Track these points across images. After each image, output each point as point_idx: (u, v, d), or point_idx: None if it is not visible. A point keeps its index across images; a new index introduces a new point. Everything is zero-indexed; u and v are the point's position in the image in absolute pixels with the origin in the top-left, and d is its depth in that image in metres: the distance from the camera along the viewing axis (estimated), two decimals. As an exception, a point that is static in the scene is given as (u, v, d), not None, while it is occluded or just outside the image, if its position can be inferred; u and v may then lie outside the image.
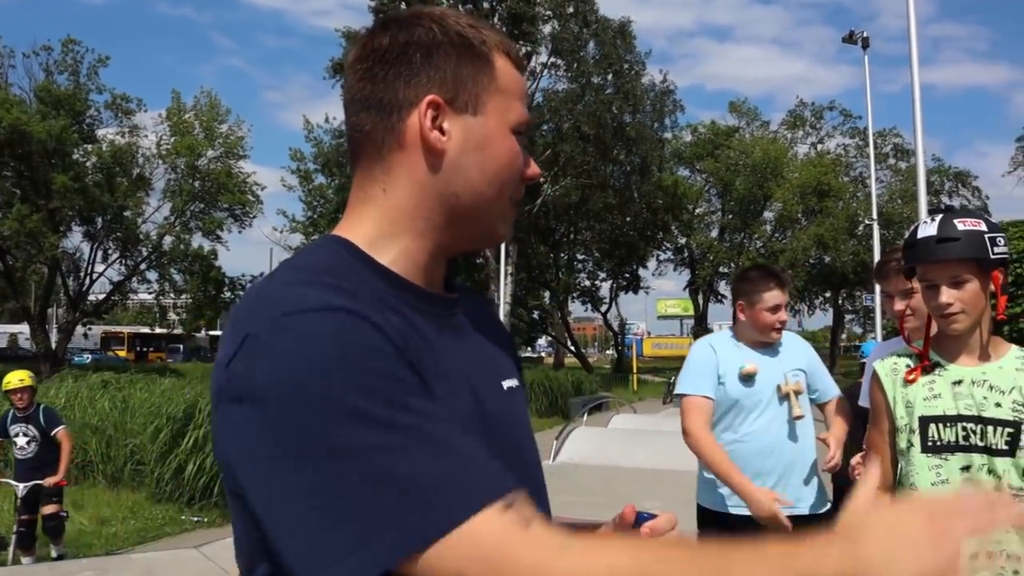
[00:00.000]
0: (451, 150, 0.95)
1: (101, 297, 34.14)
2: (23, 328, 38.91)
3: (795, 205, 39.53)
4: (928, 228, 2.08)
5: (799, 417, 3.32)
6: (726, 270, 43.28)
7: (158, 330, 46.93)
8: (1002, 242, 2.06)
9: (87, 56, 29.96)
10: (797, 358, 3.45)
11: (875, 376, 2.22)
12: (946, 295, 2.03)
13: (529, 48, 32.59)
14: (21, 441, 6.65)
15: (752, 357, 3.39)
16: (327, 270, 0.88)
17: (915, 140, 16.25)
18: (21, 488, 6.43)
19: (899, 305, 2.96)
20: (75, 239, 32.67)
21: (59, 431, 6.74)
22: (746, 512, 3.20)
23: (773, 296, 3.32)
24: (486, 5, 30.85)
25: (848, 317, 49.59)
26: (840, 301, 45.11)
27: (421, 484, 0.74)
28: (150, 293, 35.88)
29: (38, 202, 27.61)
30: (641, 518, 1.07)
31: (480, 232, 1.00)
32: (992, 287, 2.07)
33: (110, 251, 32.07)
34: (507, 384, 1.05)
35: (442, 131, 0.95)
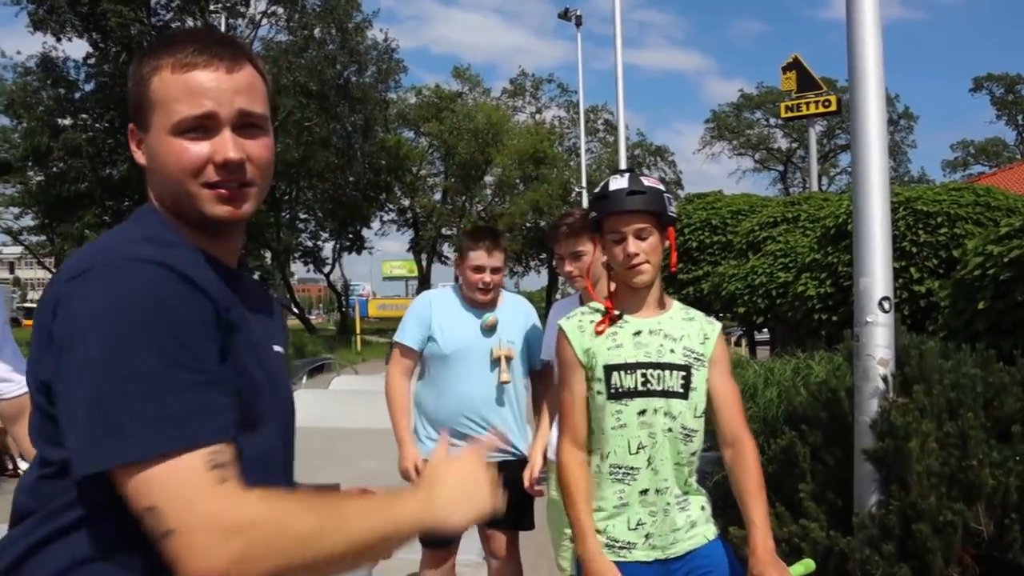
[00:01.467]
0: (148, 162, 1.19)
1: None
2: None
3: (514, 171, 41.23)
4: (619, 182, 2.27)
5: (506, 382, 3.42)
6: (449, 232, 44.25)
7: None
8: (673, 203, 2.33)
9: None
10: (515, 323, 3.54)
11: (562, 334, 2.33)
12: (633, 245, 2.21)
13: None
14: None
15: (469, 315, 3.48)
16: (158, 235, 1.14)
17: (618, 116, 17.54)
18: None
19: (569, 266, 3.21)
20: None
21: None
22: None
23: (477, 256, 3.40)
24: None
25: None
26: (554, 263, 47.81)
27: (163, 412, 0.96)
28: None
29: None
30: None
31: (195, 217, 1.17)
32: (667, 243, 2.31)
33: None
34: (277, 348, 1.29)
35: (141, 150, 1.20)
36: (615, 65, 16.64)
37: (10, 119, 29.72)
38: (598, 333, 2.27)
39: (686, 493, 2.27)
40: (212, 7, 29.69)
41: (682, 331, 2.31)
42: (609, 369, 2.23)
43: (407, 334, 3.48)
